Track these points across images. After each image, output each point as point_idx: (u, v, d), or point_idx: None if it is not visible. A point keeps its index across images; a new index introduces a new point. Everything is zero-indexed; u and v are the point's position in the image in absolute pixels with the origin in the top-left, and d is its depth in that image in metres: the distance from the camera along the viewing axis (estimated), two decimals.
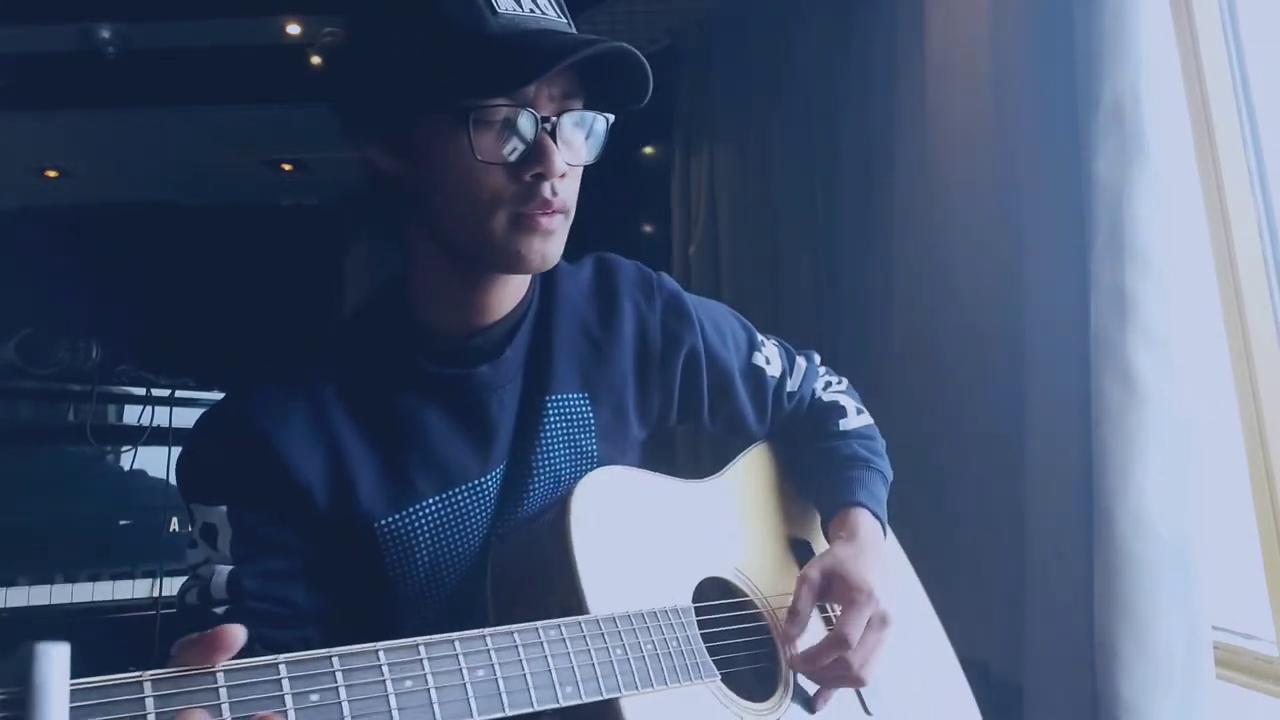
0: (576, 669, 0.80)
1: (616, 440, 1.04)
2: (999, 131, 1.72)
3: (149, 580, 2.40)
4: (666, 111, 3.02)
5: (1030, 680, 1.48)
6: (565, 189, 0.87)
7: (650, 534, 0.98)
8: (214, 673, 0.62)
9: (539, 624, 0.80)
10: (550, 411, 0.99)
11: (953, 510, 1.73)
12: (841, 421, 1.20)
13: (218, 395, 2.49)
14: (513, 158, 0.84)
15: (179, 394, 2.47)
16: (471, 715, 0.72)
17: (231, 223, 4.87)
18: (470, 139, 0.82)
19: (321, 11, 2.98)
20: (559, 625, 0.81)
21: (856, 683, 0.96)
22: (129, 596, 2.38)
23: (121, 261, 4.68)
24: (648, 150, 3.34)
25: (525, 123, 0.84)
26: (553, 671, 0.78)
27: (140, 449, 2.41)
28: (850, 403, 1.23)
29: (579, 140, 0.89)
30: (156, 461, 2.43)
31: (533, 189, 0.85)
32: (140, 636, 2.31)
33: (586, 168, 0.92)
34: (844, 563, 0.99)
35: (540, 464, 0.99)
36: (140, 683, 0.59)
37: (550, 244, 0.88)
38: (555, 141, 0.85)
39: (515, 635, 0.78)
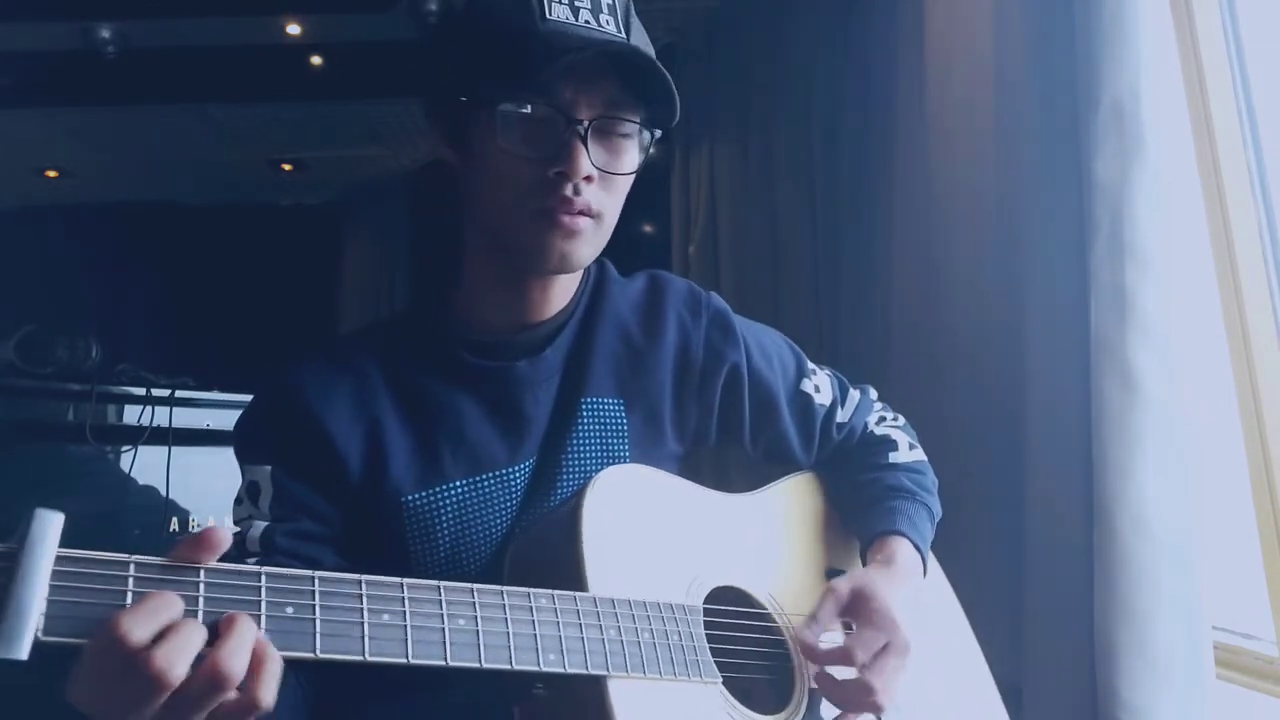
0: (564, 639, 0.80)
1: (649, 450, 1.05)
2: (999, 131, 1.72)
3: None
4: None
5: (1030, 680, 1.48)
6: (594, 193, 0.89)
7: (666, 533, 0.97)
8: (198, 569, 0.65)
9: (531, 590, 0.80)
10: (584, 413, 1.01)
11: (952, 510, 1.72)
12: (892, 455, 1.18)
13: (218, 395, 2.51)
14: (537, 154, 0.88)
15: (179, 394, 2.46)
16: (445, 659, 0.73)
17: (231, 223, 4.87)
18: (499, 132, 0.87)
19: (321, 11, 2.98)
20: (551, 595, 0.81)
21: (873, 708, 0.94)
22: None
23: (121, 261, 4.68)
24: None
25: (553, 121, 0.88)
26: (538, 637, 0.79)
27: (140, 449, 2.41)
28: (904, 438, 1.21)
29: (616, 148, 0.92)
30: (156, 461, 2.43)
31: (555, 185, 0.88)
32: None
33: None
34: (874, 583, 0.98)
35: (570, 462, 1.01)
36: (126, 563, 0.62)
37: (573, 245, 0.90)
38: (586, 145, 0.88)
39: (504, 595, 0.78)
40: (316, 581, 0.69)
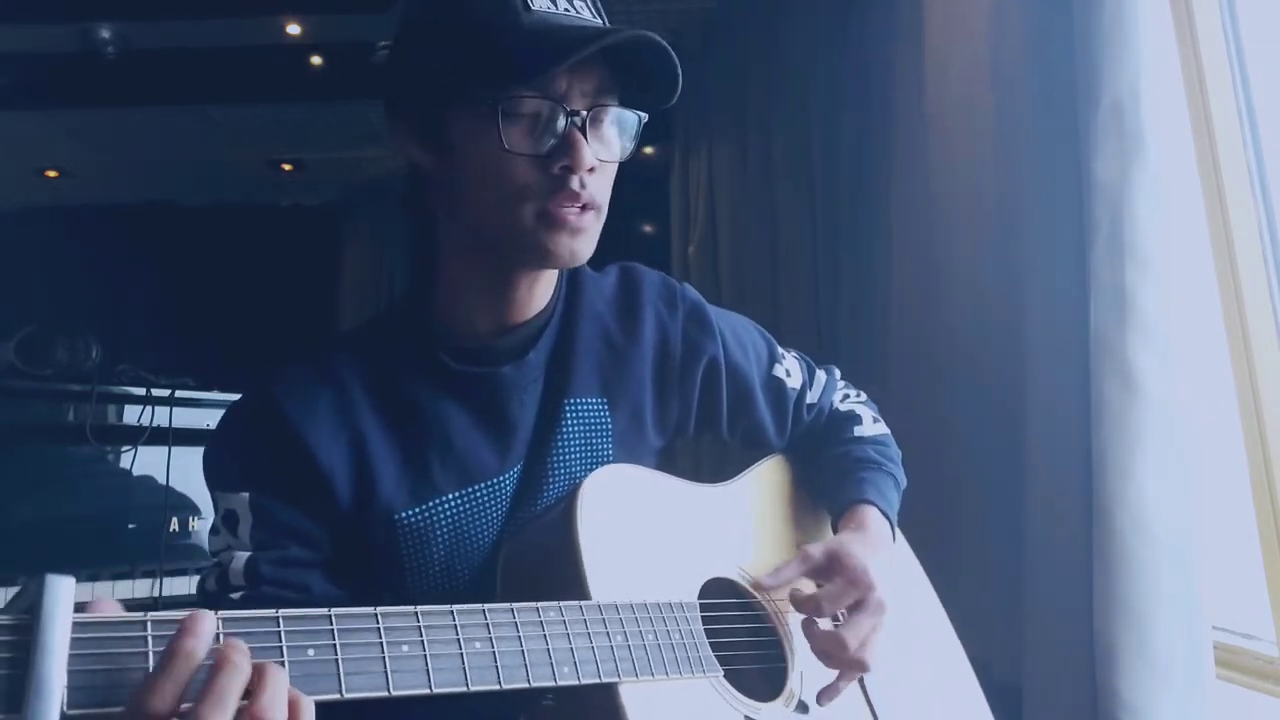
0: (575, 651, 0.80)
1: (632, 446, 1.05)
2: (999, 131, 1.72)
3: (149, 580, 2.40)
4: (666, 111, 3.03)
5: (1030, 680, 1.48)
6: (594, 184, 0.88)
7: (658, 531, 0.98)
8: (215, 620, 0.62)
9: (539, 604, 0.80)
10: (568, 414, 1.00)
11: (952, 510, 1.73)
12: (856, 428, 1.20)
13: (218, 395, 2.51)
14: (541, 150, 0.85)
15: (179, 394, 2.47)
16: (466, 685, 0.72)
17: (231, 223, 4.87)
18: (499, 130, 0.84)
19: (321, 11, 2.98)
20: (559, 607, 0.81)
21: (853, 665, 0.95)
22: (129, 596, 2.37)
23: (121, 261, 4.68)
24: (647, 150, 3.34)
25: (554, 115, 0.85)
26: (550, 651, 0.79)
27: (140, 449, 2.41)
28: (867, 412, 1.23)
29: (610, 136, 0.90)
30: (156, 461, 2.43)
31: (561, 182, 0.85)
32: None
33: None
34: (845, 545, 1.00)
35: (556, 466, 1.00)
36: (143, 622, 0.60)
37: (579, 241, 0.89)
38: (585, 136, 0.86)
39: (514, 613, 0.78)
40: (334, 620, 0.68)
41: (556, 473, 1.00)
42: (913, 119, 2.01)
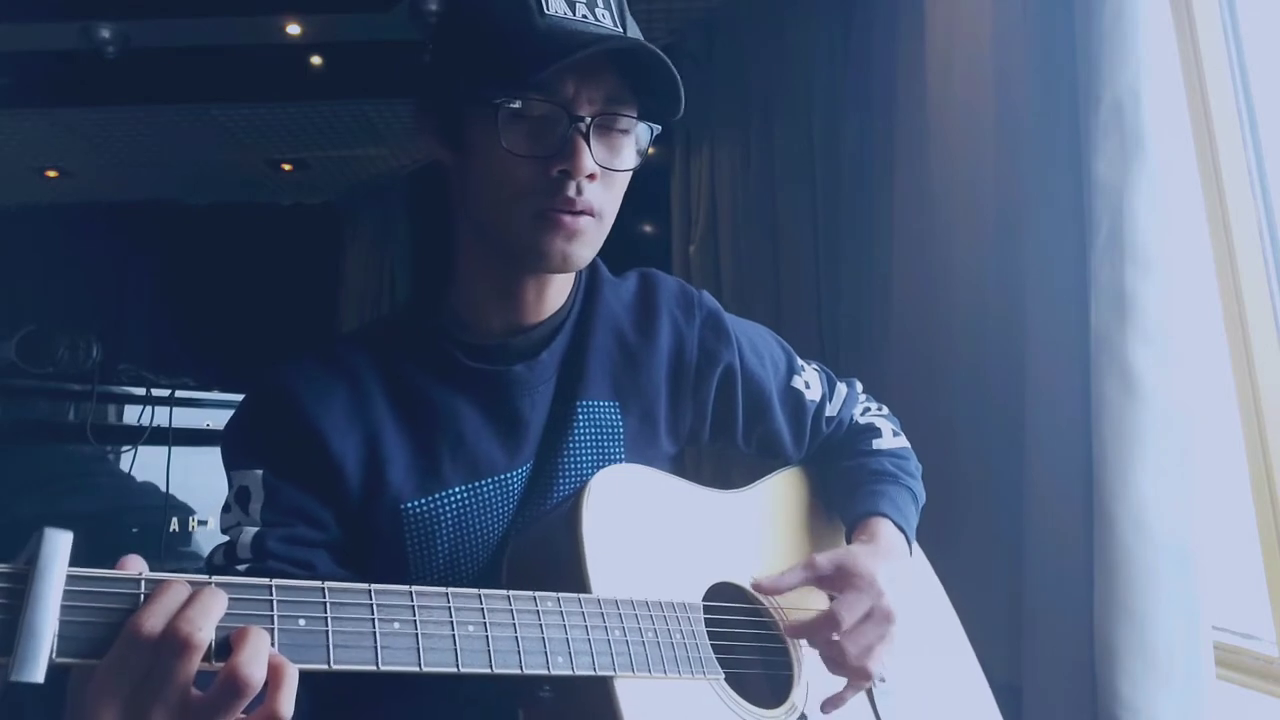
0: (570, 641, 0.80)
1: (644, 451, 1.05)
2: (999, 131, 1.72)
3: None
4: None
5: (1030, 680, 1.48)
6: (595, 191, 0.88)
7: (664, 532, 0.98)
8: (208, 584, 0.63)
9: (537, 594, 0.80)
10: (580, 416, 1.01)
11: (952, 510, 1.73)
12: (875, 441, 1.19)
13: (218, 395, 2.51)
14: (540, 152, 0.86)
15: (179, 394, 2.47)
16: (456, 666, 0.72)
17: (232, 222, 4.87)
18: (500, 131, 0.85)
19: (321, 11, 2.98)
20: (557, 598, 0.81)
21: (857, 674, 0.95)
22: None
23: (121, 261, 4.68)
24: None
25: (555, 119, 0.86)
26: (545, 640, 0.78)
27: (140, 449, 2.41)
28: (887, 425, 1.22)
29: (616, 144, 0.90)
30: (156, 461, 2.43)
31: (558, 185, 0.86)
32: None
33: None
34: (855, 555, 0.99)
35: (566, 466, 1.00)
36: (137, 580, 0.62)
37: (574, 245, 0.89)
38: (589, 142, 0.86)
39: (510, 599, 0.78)
40: (326, 592, 0.68)
41: (566, 473, 1.00)
42: (914, 119, 2.01)
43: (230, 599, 0.63)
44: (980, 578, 1.64)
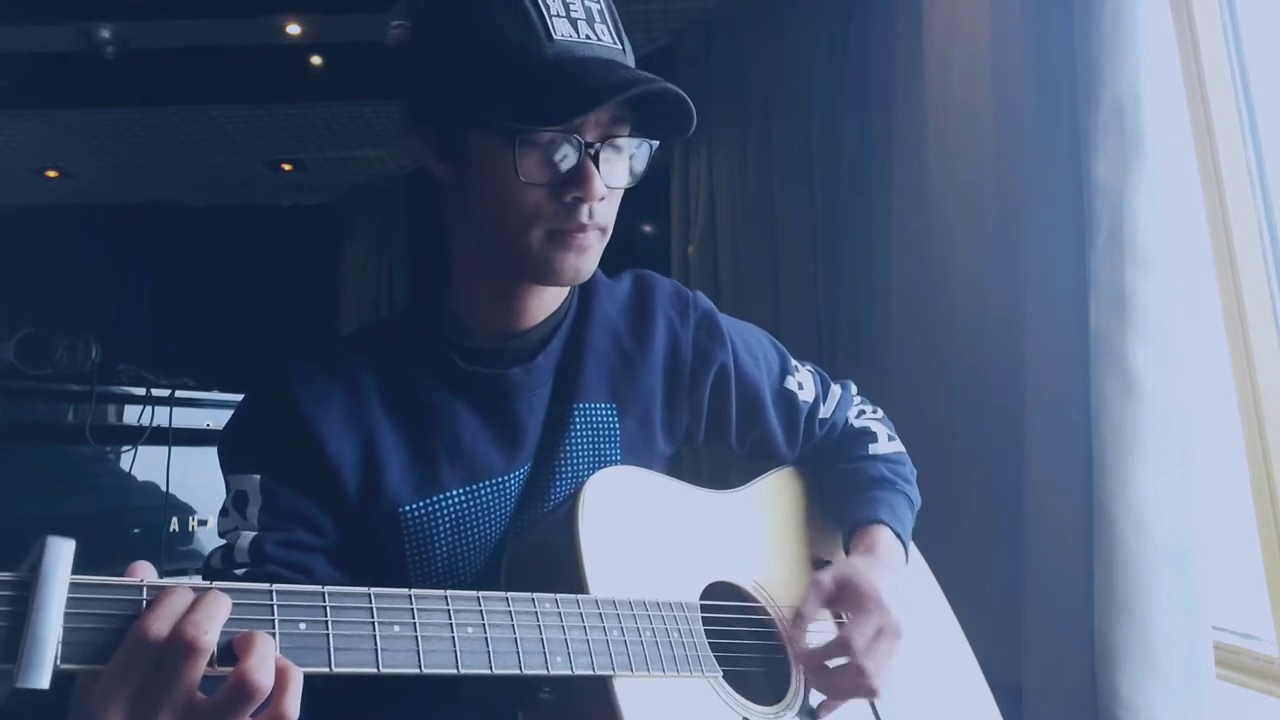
0: (569, 642, 0.80)
1: (640, 452, 1.06)
2: (998, 131, 1.72)
3: None
4: None
5: (1030, 680, 1.48)
6: (603, 210, 0.89)
7: (661, 533, 0.98)
8: (209, 589, 0.64)
9: (535, 595, 0.81)
10: (577, 419, 1.01)
11: (952, 510, 1.73)
12: (871, 446, 1.19)
13: (218, 395, 2.51)
14: (553, 180, 0.87)
15: (179, 394, 2.46)
16: (456, 668, 0.73)
17: (231, 223, 4.87)
18: (515, 160, 0.85)
19: (321, 11, 2.98)
20: (555, 599, 0.82)
21: (868, 692, 0.95)
22: None
23: (121, 262, 4.68)
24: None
25: (569, 148, 0.86)
26: (544, 640, 0.79)
27: (140, 449, 2.41)
28: (882, 429, 1.22)
29: (622, 164, 0.91)
30: (156, 462, 2.43)
31: (571, 210, 0.87)
32: None
33: None
34: (858, 572, 0.99)
35: (563, 469, 1.00)
36: (139, 586, 0.62)
37: (584, 259, 0.90)
38: (597, 166, 0.87)
39: (509, 601, 0.78)
40: (326, 596, 0.69)
41: (564, 475, 1.00)
42: (913, 119, 2.01)
43: (232, 604, 0.63)
44: (980, 578, 1.64)
